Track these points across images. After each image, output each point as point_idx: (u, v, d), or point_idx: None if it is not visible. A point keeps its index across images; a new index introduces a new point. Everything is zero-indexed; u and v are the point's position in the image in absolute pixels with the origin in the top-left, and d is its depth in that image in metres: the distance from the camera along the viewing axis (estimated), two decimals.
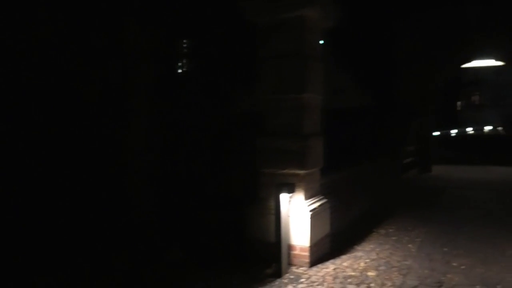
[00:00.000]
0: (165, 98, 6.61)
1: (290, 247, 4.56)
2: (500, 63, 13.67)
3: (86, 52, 5.59)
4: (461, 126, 41.79)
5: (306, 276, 4.31)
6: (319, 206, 4.83)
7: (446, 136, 28.36)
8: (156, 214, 5.97)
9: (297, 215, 4.56)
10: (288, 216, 4.48)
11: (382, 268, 4.58)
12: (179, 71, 8.06)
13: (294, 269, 4.50)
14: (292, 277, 4.29)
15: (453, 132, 35.63)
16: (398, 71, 13.47)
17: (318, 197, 4.95)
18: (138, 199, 5.97)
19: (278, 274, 4.28)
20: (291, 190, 4.39)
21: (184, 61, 8.12)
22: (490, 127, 40.66)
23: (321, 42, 5.09)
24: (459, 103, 47.03)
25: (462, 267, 4.59)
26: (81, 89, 5.47)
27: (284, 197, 4.30)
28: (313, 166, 4.84)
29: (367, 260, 4.83)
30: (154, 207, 6.06)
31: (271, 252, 4.41)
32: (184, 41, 8.10)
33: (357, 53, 14.18)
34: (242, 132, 5.81)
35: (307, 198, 4.70)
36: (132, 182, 6.03)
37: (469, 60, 13.25)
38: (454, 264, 4.69)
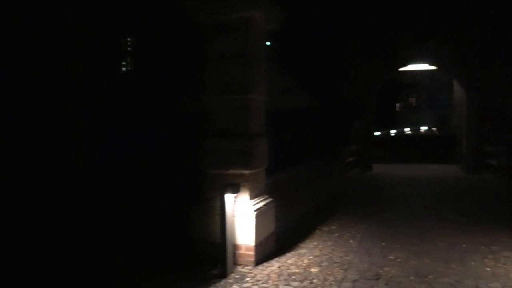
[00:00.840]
0: (107, 98, 6.41)
1: (235, 247, 4.60)
2: (433, 67, 14.58)
3: (22, 50, 5.29)
4: (400, 126, 44.05)
5: (251, 275, 4.37)
6: (264, 205, 4.91)
7: (386, 136, 29.76)
8: (99, 217, 5.76)
9: (242, 215, 4.61)
10: (233, 216, 4.52)
11: (324, 264, 4.74)
12: (124, 70, 7.85)
13: (239, 268, 4.55)
14: (237, 276, 4.33)
15: (393, 132, 37.47)
16: (341, 74, 13.96)
17: (263, 197, 5.03)
18: (79, 201, 5.73)
19: (223, 274, 4.31)
20: (236, 190, 4.44)
21: (129, 60, 7.92)
22: (426, 128, 43.26)
23: (268, 43, 5.18)
24: (398, 104, 49.56)
25: (398, 260, 4.87)
26: (16, 89, 5.16)
27: (229, 198, 4.33)
28: (258, 166, 4.91)
29: (311, 257, 4.99)
30: (97, 210, 5.85)
31: (217, 253, 4.42)
32: (129, 39, 7.90)
33: (304, 55, 14.55)
34: (189, 133, 5.77)
35: (252, 198, 4.76)
36: (72, 183, 5.77)
37: (405, 64, 14.02)
38: (391, 257, 4.96)
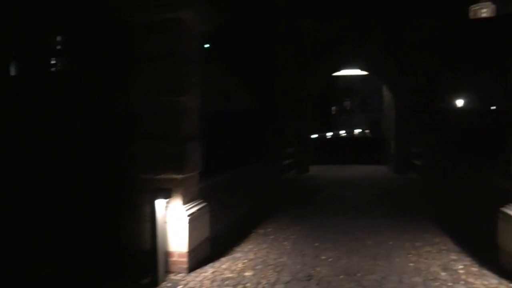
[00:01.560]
0: (29, 99, 5.97)
1: (167, 254, 4.47)
2: (364, 72, 15.32)
3: None
4: (336, 129, 45.76)
5: (184, 282, 4.28)
6: (198, 210, 4.83)
7: (322, 138, 30.76)
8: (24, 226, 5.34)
9: (175, 220, 4.50)
10: (165, 222, 4.39)
11: (258, 267, 4.76)
12: (52, 70, 7.37)
13: (172, 276, 4.43)
14: (169, 285, 4.22)
15: (329, 134, 38.82)
16: (278, 77, 14.21)
17: (197, 201, 4.95)
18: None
19: (155, 283, 4.17)
20: (167, 195, 4.32)
21: (55, 59, 7.45)
22: (360, 130, 45.38)
23: (206, 45, 5.11)
24: (333, 108, 51.49)
25: (330, 259, 5.01)
26: None
27: (160, 203, 4.20)
28: (192, 170, 4.83)
29: (245, 261, 4.98)
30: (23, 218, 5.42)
31: (148, 261, 4.27)
32: (58, 38, 7.44)
33: (242, 58, 14.65)
34: (118, 136, 5.53)
35: (185, 202, 4.66)
36: None
37: (339, 69, 14.60)
38: (323, 257, 5.10)
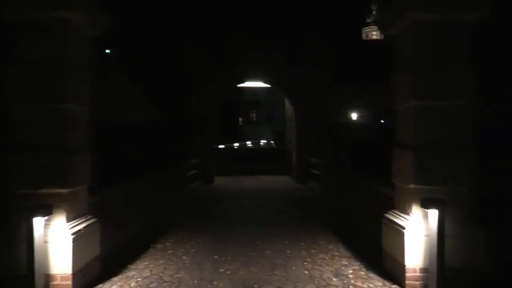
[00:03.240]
0: None
1: (48, 278, 4.03)
2: (267, 85, 15.77)
3: None
4: (242, 140, 46.50)
5: None
6: (86, 227, 4.43)
7: (229, 149, 31.00)
8: None
9: (57, 240, 4.07)
10: (46, 243, 3.96)
11: (153, 285, 4.51)
12: None
13: None
14: None
15: (236, 145, 39.28)
16: (183, 87, 13.96)
17: (85, 218, 4.55)
18: None
19: None
20: (47, 212, 3.89)
21: None
22: (265, 141, 46.66)
23: (107, 51, 4.76)
24: (240, 119, 52.32)
25: (228, 272, 4.93)
26: None
27: (38, 221, 3.77)
28: (79, 184, 4.43)
29: (139, 279, 4.69)
30: None
31: (25, 286, 3.79)
32: None
33: (147, 67, 14.12)
34: None
35: (71, 219, 4.25)
36: None
37: (243, 81, 14.83)
38: (222, 270, 5.00)
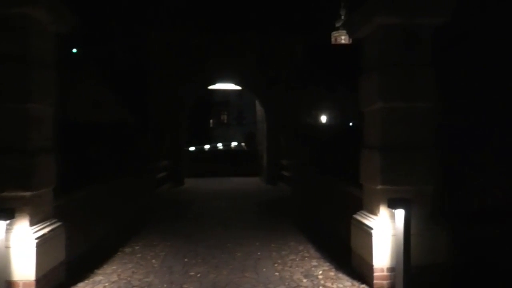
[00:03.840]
0: None
1: (10, 284, 3.87)
2: (238, 87, 15.78)
3: None
4: (213, 141, 46.32)
5: None
6: (50, 231, 4.28)
7: (200, 150, 30.81)
8: None
9: (20, 245, 3.90)
10: (8, 248, 3.80)
11: None
12: None
13: None
14: None
15: (207, 147, 39.09)
16: (152, 88, 13.77)
17: (49, 221, 4.39)
18: None
19: None
20: (9, 216, 3.74)
21: None
22: (236, 143, 46.67)
23: (74, 50, 4.62)
24: (211, 120, 52.09)
25: (198, 275, 4.89)
26: None
27: None
28: (43, 186, 4.27)
29: (106, 284, 4.58)
30: None
31: None
32: None
33: (117, 68, 13.86)
34: None
35: (34, 223, 4.10)
36: None
37: (214, 83, 14.78)
38: (192, 273, 4.95)
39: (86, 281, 4.64)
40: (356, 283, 4.55)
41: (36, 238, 3.98)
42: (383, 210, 4.42)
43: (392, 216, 4.23)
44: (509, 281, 4.32)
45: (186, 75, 13.70)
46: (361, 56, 5.04)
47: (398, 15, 4.40)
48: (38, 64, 4.17)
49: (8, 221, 3.73)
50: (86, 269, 4.97)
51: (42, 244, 4.06)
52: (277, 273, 4.93)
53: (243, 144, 44.46)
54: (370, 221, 4.59)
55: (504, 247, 4.55)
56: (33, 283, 3.94)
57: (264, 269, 5.07)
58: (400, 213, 4.03)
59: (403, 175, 4.39)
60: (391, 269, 4.29)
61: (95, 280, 4.70)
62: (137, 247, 6.12)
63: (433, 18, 4.47)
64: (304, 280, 4.68)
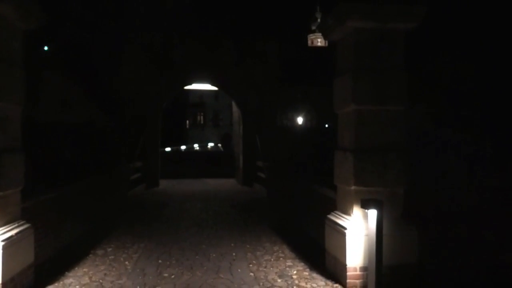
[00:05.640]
0: None
1: None
2: (215, 88, 15.71)
3: None
4: (190, 142, 46.04)
5: None
6: (18, 233, 4.15)
7: (176, 151, 30.54)
8: None
9: None
10: None
11: None
12: None
13: None
14: None
15: (183, 148, 38.81)
16: (126, 87, 13.55)
17: (17, 223, 4.26)
18: None
19: None
20: None
21: None
22: (212, 144, 46.50)
23: (46, 48, 4.48)
24: (187, 121, 51.74)
25: (172, 276, 4.84)
26: None
27: None
28: (9, 188, 4.13)
29: (77, 287, 4.48)
30: None
31: None
32: None
33: (88, 67, 13.55)
34: None
35: (1, 225, 3.98)
36: None
37: (190, 83, 14.66)
38: (166, 274, 4.90)
39: (56, 284, 4.53)
40: (329, 283, 4.61)
41: (3, 240, 3.86)
42: (357, 211, 4.49)
43: (365, 217, 4.30)
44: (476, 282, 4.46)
45: (161, 75, 13.55)
46: (335, 58, 5.11)
47: (370, 19, 4.48)
48: (5, 61, 4.04)
49: None
50: (56, 272, 4.86)
51: (9, 246, 3.94)
52: (251, 274, 4.94)
53: (219, 145, 44.35)
54: (343, 221, 4.65)
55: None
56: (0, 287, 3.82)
57: (239, 270, 5.07)
58: (372, 214, 4.10)
59: (376, 177, 4.48)
60: (364, 269, 4.36)
61: (65, 282, 4.59)
62: (109, 249, 6.01)
63: (406, 23, 4.58)
64: (279, 280, 4.71)
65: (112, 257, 5.64)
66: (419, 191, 5.18)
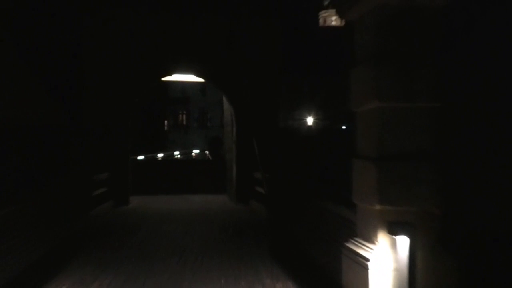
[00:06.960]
0: None
1: None
2: (201, 79, 15.70)
3: None
4: (169, 148, 46.00)
5: None
6: None
7: (151, 160, 30.46)
8: None
9: None
10: None
11: None
12: None
13: None
14: None
15: (160, 155, 38.72)
16: (89, 80, 13.52)
17: None
18: None
19: None
20: None
21: None
22: (198, 151, 46.50)
23: None
24: (166, 122, 51.80)
25: None
26: None
27: None
28: None
29: None
30: None
31: None
32: None
33: (39, 56, 13.49)
34: None
35: None
36: None
37: (170, 74, 14.62)
38: None
39: None
40: None
41: None
42: (382, 237, 4.44)
43: (393, 245, 4.25)
44: None
45: (131, 64, 13.52)
46: (353, 43, 5.08)
47: None
48: None
49: None
50: None
51: None
52: None
53: (206, 152, 44.36)
54: (365, 250, 4.60)
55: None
56: None
57: None
58: (403, 241, 4.05)
59: (406, 193, 4.42)
60: None
61: None
62: (64, 286, 5.96)
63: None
64: None
65: None
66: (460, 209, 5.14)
